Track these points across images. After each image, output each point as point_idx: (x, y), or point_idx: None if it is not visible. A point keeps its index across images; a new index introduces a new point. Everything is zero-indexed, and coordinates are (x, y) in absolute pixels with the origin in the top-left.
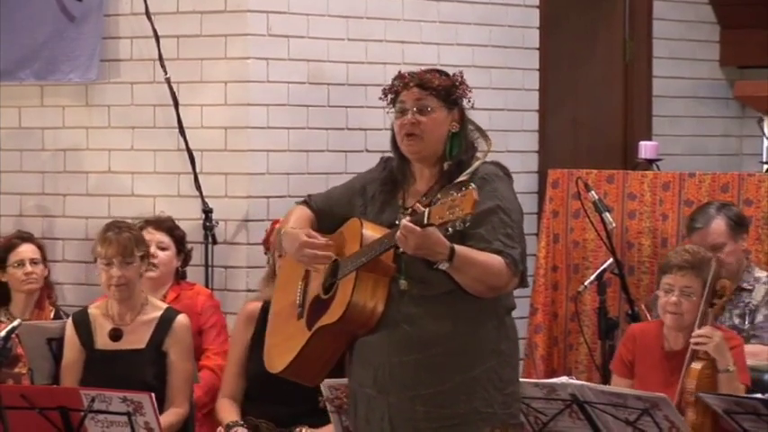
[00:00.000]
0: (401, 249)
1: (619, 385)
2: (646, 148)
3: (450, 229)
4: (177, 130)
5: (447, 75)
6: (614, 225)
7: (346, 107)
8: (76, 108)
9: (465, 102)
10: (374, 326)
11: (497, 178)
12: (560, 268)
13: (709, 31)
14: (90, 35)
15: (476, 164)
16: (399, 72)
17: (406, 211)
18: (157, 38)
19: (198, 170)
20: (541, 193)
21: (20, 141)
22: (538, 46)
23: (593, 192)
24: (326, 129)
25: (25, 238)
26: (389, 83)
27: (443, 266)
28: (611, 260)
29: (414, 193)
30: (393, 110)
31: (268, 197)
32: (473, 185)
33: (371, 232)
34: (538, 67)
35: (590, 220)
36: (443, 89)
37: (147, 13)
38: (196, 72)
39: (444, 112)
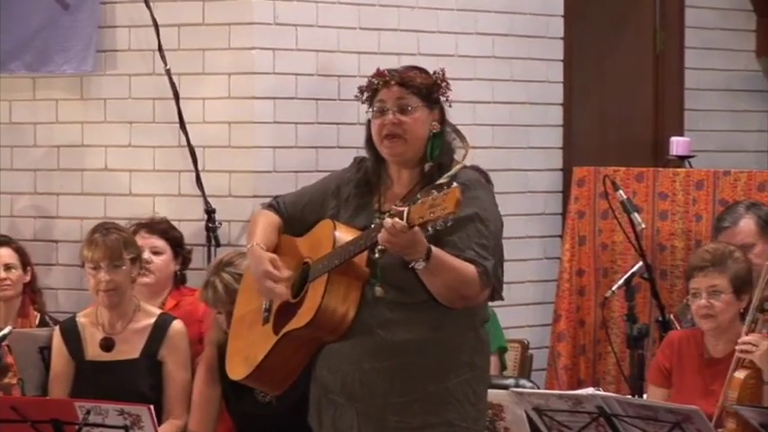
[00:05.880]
0: (376, 254)
1: (655, 396)
2: (677, 145)
3: (430, 228)
4: (178, 125)
5: (427, 72)
6: (644, 226)
7: (358, 100)
8: (71, 102)
9: (444, 100)
10: (344, 332)
11: (479, 185)
12: (587, 272)
13: (745, 19)
14: (85, 24)
15: (456, 168)
16: (378, 69)
17: (383, 216)
18: (157, 27)
19: (200, 168)
20: (566, 193)
21: (11, 137)
22: (562, 35)
23: (621, 191)
24: (337, 123)
25: (2, 241)
26: (367, 80)
27: (419, 266)
28: (640, 264)
29: (391, 196)
30: (370, 109)
31: (275, 197)
32: (456, 184)
33: (344, 234)
34: (562, 57)
35: (618, 221)
36: (425, 87)
37: (146, 1)
38: (198, 63)
39: (426, 112)
